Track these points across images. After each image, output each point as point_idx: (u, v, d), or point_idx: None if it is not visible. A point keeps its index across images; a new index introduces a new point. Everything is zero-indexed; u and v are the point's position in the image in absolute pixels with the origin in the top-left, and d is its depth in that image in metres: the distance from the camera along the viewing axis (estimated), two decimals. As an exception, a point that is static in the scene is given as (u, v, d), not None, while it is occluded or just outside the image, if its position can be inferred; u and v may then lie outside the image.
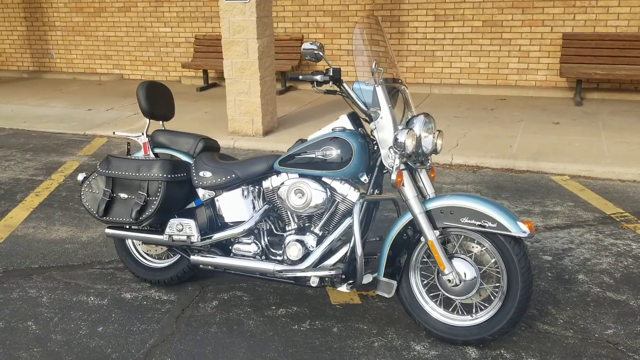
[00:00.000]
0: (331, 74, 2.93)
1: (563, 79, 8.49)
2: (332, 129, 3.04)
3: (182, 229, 3.21)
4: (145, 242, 3.44)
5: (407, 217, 2.91)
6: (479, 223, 2.72)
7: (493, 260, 2.81)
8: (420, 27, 9.02)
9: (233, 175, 3.19)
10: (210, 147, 3.45)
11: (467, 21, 8.77)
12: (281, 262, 3.10)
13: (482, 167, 5.72)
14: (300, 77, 2.97)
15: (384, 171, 3.01)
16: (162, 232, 3.33)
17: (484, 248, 2.84)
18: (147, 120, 3.55)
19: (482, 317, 2.84)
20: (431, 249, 2.80)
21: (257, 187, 3.25)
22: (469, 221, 2.74)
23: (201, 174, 3.24)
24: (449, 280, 2.79)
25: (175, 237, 3.23)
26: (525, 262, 2.70)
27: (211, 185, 3.22)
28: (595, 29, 8.23)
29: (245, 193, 3.23)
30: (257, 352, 2.89)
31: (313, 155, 2.98)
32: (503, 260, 2.74)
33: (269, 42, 6.74)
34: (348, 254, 2.96)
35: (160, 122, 3.63)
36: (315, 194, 2.96)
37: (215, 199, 3.28)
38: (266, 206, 3.20)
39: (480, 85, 8.89)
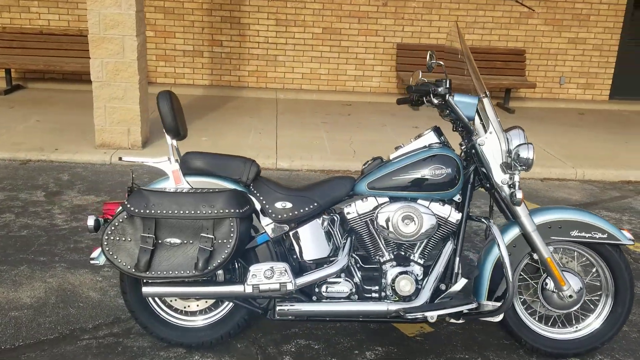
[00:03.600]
0: (448, 85, 2.68)
1: (394, 86, 9.15)
2: (429, 145, 2.78)
3: (273, 275, 2.59)
4: (213, 297, 2.69)
5: (511, 235, 2.82)
6: (589, 235, 2.78)
7: (594, 269, 2.90)
8: (262, 31, 8.79)
9: (315, 204, 2.70)
10: (259, 170, 2.85)
11: (308, 27, 8.83)
12: (381, 298, 2.74)
13: (392, 173, 5.83)
14: (441, 89, 2.65)
15: (476, 188, 2.88)
16: (228, 282, 2.66)
17: (583, 259, 2.91)
18: (170, 141, 2.77)
19: (587, 327, 2.92)
20: (550, 266, 2.76)
21: (332, 215, 2.81)
22: (579, 234, 2.78)
23: (279, 205, 2.66)
24: (570, 296, 2.79)
25: (263, 287, 2.59)
26: (629, 268, 2.85)
27: (291, 217, 2.67)
28: (421, 40, 9.05)
29: (325, 223, 2.77)
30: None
31: (418, 176, 2.69)
32: (609, 269, 2.84)
33: (144, 40, 5.84)
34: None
35: (174, 141, 2.87)
36: (426, 219, 2.68)
37: (290, 233, 2.73)
38: (349, 237, 2.78)
39: (321, 90, 9.04)
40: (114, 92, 5.68)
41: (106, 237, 2.51)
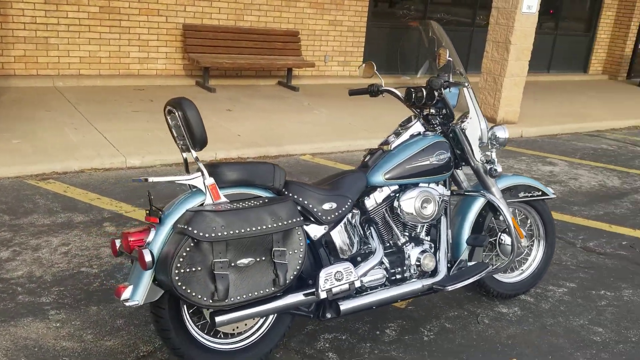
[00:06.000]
0: (450, 80, 2.99)
1: (180, 68, 8.90)
2: (423, 134, 3.06)
3: (342, 277, 2.57)
4: (286, 310, 2.51)
5: (480, 204, 3.29)
6: (531, 194, 3.44)
7: (529, 221, 3.59)
8: (28, 10, 7.60)
9: (350, 201, 2.77)
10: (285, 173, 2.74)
11: (83, 6, 7.95)
12: (405, 278, 2.96)
13: (245, 158, 5.87)
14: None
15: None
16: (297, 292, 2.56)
17: (521, 214, 3.57)
18: (194, 153, 2.48)
19: (529, 268, 3.59)
20: (514, 224, 3.33)
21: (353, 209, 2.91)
22: (525, 194, 3.42)
23: (326, 206, 2.65)
24: (527, 246, 3.41)
25: (335, 290, 2.56)
26: (552, 216, 3.61)
27: (336, 217, 2.69)
28: (203, 21, 8.94)
29: (354, 219, 2.85)
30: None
31: (427, 162, 2.97)
32: (541, 219, 3.56)
33: None
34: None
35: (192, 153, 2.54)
36: (438, 200, 2.98)
37: (330, 233, 2.73)
38: (371, 227, 2.92)
39: (103, 75, 8.29)
40: None
41: (176, 272, 2.19)
